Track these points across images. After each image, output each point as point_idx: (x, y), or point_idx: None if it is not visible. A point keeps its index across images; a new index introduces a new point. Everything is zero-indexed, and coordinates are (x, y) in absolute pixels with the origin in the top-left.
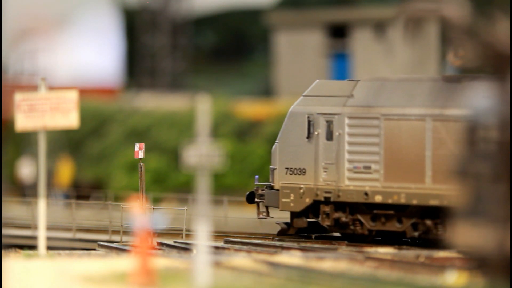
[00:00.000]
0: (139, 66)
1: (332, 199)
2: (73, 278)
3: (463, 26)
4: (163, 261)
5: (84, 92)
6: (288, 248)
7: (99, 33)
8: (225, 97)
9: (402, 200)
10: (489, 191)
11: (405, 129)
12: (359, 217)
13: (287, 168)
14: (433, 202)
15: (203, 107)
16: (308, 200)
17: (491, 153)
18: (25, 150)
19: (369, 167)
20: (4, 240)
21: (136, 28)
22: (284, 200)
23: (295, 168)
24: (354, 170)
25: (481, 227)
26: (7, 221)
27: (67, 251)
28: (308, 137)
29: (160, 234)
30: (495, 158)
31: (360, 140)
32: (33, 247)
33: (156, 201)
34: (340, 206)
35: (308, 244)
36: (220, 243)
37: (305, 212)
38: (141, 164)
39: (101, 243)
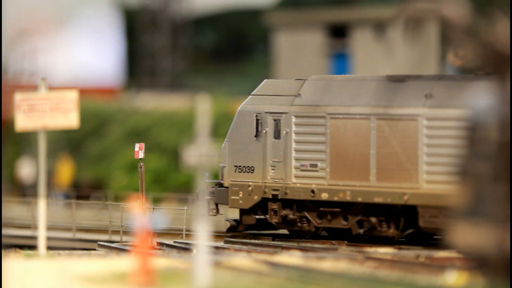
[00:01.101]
0: (139, 66)
1: (279, 197)
2: (73, 278)
3: (463, 26)
4: (163, 261)
5: (84, 92)
6: (288, 248)
7: (99, 33)
8: (225, 97)
9: (348, 198)
10: (489, 191)
11: (350, 127)
12: (306, 214)
13: (236, 166)
14: (378, 200)
15: (203, 107)
16: (256, 198)
17: (491, 153)
18: (25, 150)
19: (315, 165)
20: (4, 240)
21: (136, 28)
22: (233, 197)
23: (244, 166)
24: (301, 168)
25: (481, 227)
26: (7, 221)
27: (67, 251)
28: (257, 135)
29: (160, 234)
30: (495, 158)
31: (306, 139)
32: (33, 247)
33: (156, 201)
34: (287, 203)
35: (308, 244)
36: (220, 243)
37: (254, 209)
38: (141, 164)
39: (101, 243)
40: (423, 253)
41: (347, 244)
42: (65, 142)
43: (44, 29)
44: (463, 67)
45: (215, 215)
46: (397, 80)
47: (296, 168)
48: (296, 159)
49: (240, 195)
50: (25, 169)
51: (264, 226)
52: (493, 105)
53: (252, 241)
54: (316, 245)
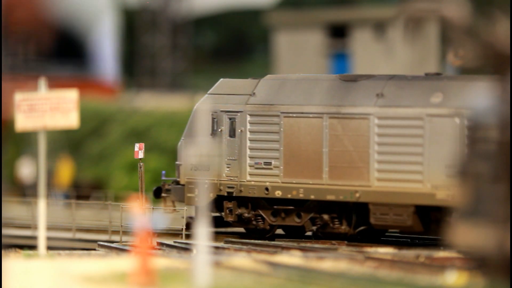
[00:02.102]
0: (139, 66)
1: (234, 194)
2: (73, 278)
3: (463, 26)
4: (163, 261)
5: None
6: (288, 248)
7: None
8: None
9: (301, 195)
10: (489, 191)
11: (303, 126)
12: (261, 212)
13: (192, 164)
14: (330, 197)
15: (203, 107)
16: (212, 195)
17: (491, 153)
18: (25, 150)
19: (269, 163)
20: (4, 240)
21: (136, 28)
22: (189, 194)
23: (201, 164)
24: (255, 166)
25: (481, 227)
26: (7, 221)
27: (67, 251)
28: (212, 134)
29: (160, 234)
30: (495, 158)
31: (261, 137)
32: (33, 247)
33: (156, 201)
34: (243, 201)
35: (308, 244)
36: (220, 243)
37: (209, 207)
38: (141, 164)
39: (101, 243)
40: (423, 253)
41: (347, 244)
42: (65, 142)
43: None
44: (463, 67)
45: (172, 212)
46: (350, 79)
47: (250, 166)
48: (251, 157)
49: (196, 193)
50: (25, 169)
51: (220, 224)
52: (493, 105)
53: (252, 241)
54: (316, 245)
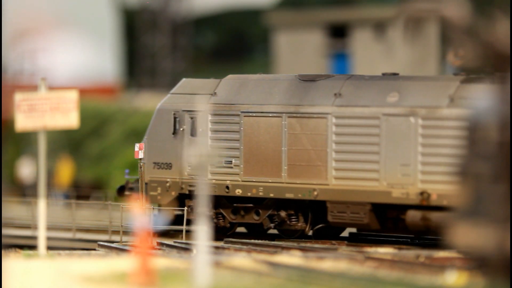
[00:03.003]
0: (139, 66)
1: (196, 192)
2: (73, 278)
3: (463, 26)
4: (163, 261)
5: (84, 92)
6: (288, 248)
7: (99, 33)
8: None
9: (261, 194)
10: (489, 191)
11: (263, 125)
12: (221, 210)
13: (154, 163)
14: (289, 196)
15: (203, 107)
16: (174, 193)
17: (491, 153)
18: (25, 150)
19: (230, 162)
20: (4, 240)
21: (136, 28)
22: (151, 193)
23: (162, 163)
24: (216, 165)
25: (481, 227)
26: (7, 221)
27: (67, 251)
28: (174, 133)
29: (160, 234)
30: (495, 158)
31: (221, 136)
32: (33, 247)
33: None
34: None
35: (308, 244)
36: (220, 243)
37: (172, 205)
38: (141, 164)
39: (101, 243)
40: (423, 253)
41: (347, 244)
42: (65, 142)
43: (44, 29)
44: (463, 67)
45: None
46: (309, 79)
47: (211, 164)
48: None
49: (159, 191)
50: (25, 169)
51: (181, 222)
52: (493, 105)
53: (252, 241)
54: (316, 245)
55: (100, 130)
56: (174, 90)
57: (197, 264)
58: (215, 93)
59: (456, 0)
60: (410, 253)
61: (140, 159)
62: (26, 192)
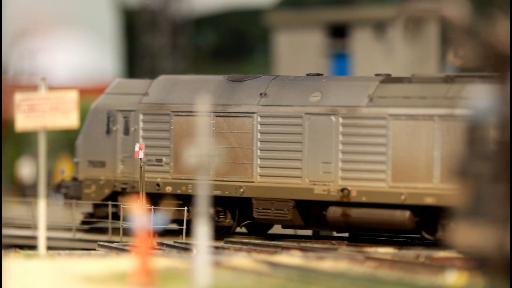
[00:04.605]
0: (139, 66)
1: (128, 190)
2: (73, 278)
3: (463, 26)
4: (163, 261)
5: (84, 92)
6: (288, 248)
7: (99, 33)
8: None
9: (190, 191)
10: (489, 191)
11: (192, 124)
12: (153, 207)
13: (89, 161)
14: (217, 193)
15: (203, 107)
16: (107, 191)
17: (491, 153)
18: (25, 150)
19: (160, 160)
20: (4, 240)
21: (136, 28)
22: (86, 191)
23: (96, 161)
24: (147, 163)
25: (481, 227)
26: (7, 221)
27: (67, 251)
28: (108, 132)
29: (160, 234)
30: (495, 158)
31: (153, 135)
32: (33, 247)
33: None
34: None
35: (308, 244)
36: (220, 243)
37: (107, 202)
38: (141, 164)
39: (101, 243)
40: (423, 253)
41: (347, 244)
42: (65, 142)
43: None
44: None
45: (71, 208)
46: (236, 80)
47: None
48: (144, 155)
49: (93, 189)
50: (25, 169)
51: (118, 218)
52: (493, 105)
53: (252, 241)
54: (316, 245)
55: None
56: (108, 90)
57: (197, 264)
58: (147, 93)
59: (456, 0)
60: (410, 253)
61: (140, 159)
62: (26, 192)
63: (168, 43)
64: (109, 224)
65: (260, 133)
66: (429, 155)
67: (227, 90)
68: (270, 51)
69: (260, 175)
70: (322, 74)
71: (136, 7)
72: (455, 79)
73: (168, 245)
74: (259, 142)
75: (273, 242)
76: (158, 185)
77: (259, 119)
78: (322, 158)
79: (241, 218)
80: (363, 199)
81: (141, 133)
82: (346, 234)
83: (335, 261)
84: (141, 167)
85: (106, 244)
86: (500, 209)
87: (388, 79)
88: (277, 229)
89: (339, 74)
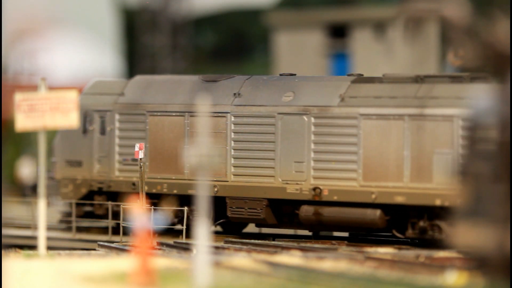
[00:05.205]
0: (139, 66)
1: (104, 189)
2: (73, 278)
3: (463, 26)
4: (163, 261)
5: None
6: (288, 248)
7: (99, 33)
8: None
9: (165, 190)
10: (489, 191)
11: (167, 124)
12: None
13: (66, 161)
14: (191, 192)
15: (203, 107)
16: (84, 190)
17: (491, 153)
18: (25, 150)
19: (136, 160)
20: (4, 240)
21: (136, 28)
22: (63, 190)
23: (73, 161)
24: (123, 162)
25: (481, 227)
26: (7, 221)
27: (67, 251)
28: (84, 132)
29: (160, 234)
30: (495, 158)
31: (128, 135)
32: (33, 247)
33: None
34: (112, 196)
35: (308, 244)
36: (220, 243)
37: (85, 201)
38: (141, 164)
39: (101, 243)
40: (423, 253)
41: (347, 244)
42: None
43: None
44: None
45: (48, 207)
46: (211, 80)
47: (119, 162)
48: (119, 154)
49: (70, 188)
50: (25, 169)
51: (94, 217)
52: (493, 105)
53: (252, 241)
54: (316, 245)
55: None
56: (85, 90)
57: (197, 264)
58: (123, 93)
59: (456, 0)
60: (410, 253)
61: (141, 159)
62: (26, 192)
63: (168, 43)
64: (109, 224)
65: (234, 132)
66: (399, 154)
67: (201, 90)
68: (270, 51)
69: (233, 174)
70: (295, 74)
71: (136, 7)
72: (425, 79)
73: (168, 245)
74: (232, 142)
75: (273, 242)
76: (134, 184)
77: (232, 118)
78: (294, 158)
79: (216, 217)
80: (335, 198)
81: (117, 132)
82: (346, 234)
83: (335, 261)
84: (141, 167)
85: (106, 244)
86: (500, 209)
87: (359, 79)
88: (277, 229)
89: (339, 74)
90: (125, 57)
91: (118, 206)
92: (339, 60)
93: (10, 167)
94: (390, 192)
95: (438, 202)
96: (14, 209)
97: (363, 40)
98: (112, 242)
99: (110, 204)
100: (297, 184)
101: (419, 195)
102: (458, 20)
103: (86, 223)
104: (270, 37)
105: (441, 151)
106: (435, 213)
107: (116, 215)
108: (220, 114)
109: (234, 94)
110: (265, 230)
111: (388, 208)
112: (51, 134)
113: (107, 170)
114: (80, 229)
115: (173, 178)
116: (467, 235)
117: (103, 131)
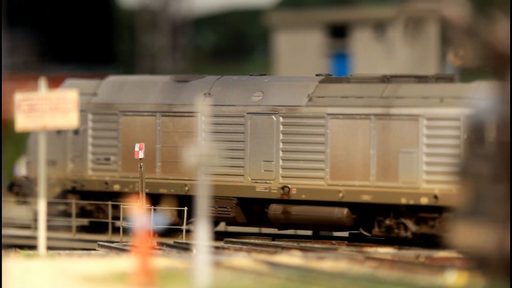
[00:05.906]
0: (139, 66)
1: (78, 189)
2: (73, 278)
3: (463, 26)
4: (163, 261)
5: None
6: (288, 248)
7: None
8: None
9: (137, 189)
10: (489, 191)
11: (139, 124)
12: (102, 205)
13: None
14: (163, 191)
15: (203, 107)
16: (57, 189)
17: (491, 153)
18: (25, 150)
19: (109, 159)
20: (4, 240)
21: (136, 28)
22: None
23: (47, 160)
24: (96, 162)
25: (481, 227)
26: (7, 221)
27: (67, 251)
28: (58, 131)
29: (160, 234)
30: (495, 158)
31: (101, 134)
32: (33, 247)
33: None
34: (86, 195)
35: (308, 244)
36: (220, 243)
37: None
38: (141, 164)
39: (101, 243)
40: (423, 253)
41: (347, 244)
42: None
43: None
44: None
45: (22, 205)
46: (182, 80)
47: (92, 161)
48: (92, 153)
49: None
50: (25, 169)
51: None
52: (493, 105)
53: (252, 241)
54: (316, 245)
55: None
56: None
57: (197, 264)
58: (96, 93)
59: (456, 0)
60: (410, 253)
61: (141, 159)
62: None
63: (168, 43)
64: (109, 224)
65: (204, 132)
66: (366, 153)
67: (172, 90)
68: (270, 51)
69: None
70: (265, 74)
71: (136, 7)
72: (392, 79)
73: (168, 245)
74: (202, 142)
75: (273, 242)
76: (106, 183)
77: (203, 118)
78: (263, 157)
79: (187, 216)
80: (303, 196)
81: (90, 132)
82: (346, 234)
83: (335, 261)
84: (141, 167)
85: (106, 244)
86: (500, 209)
87: (327, 79)
88: (276, 229)
89: (339, 74)
90: (125, 57)
91: (92, 205)
92: (339, 60)
93: (10, 167)
94: (357, 191)
95: (403, 201)
96: (14, 209)
97: (363, 40)
98: (112, 242)
99: (109, 204)
100: (266, 183)
101: (385, 193)
102: (458, 20)
103: (59, 222)
104: (270, 37)
105: (407, 150)
106: (401, 211)
107: (89, 213)
108: (190, 114)
109: (205, 94)
110: (232, 229)
111: (355, 207)
112: (25, 134)
113: (81, 170)
114: (51, 228)
115: (146, 177)
116: (467, 235)
117: (76, 131)
